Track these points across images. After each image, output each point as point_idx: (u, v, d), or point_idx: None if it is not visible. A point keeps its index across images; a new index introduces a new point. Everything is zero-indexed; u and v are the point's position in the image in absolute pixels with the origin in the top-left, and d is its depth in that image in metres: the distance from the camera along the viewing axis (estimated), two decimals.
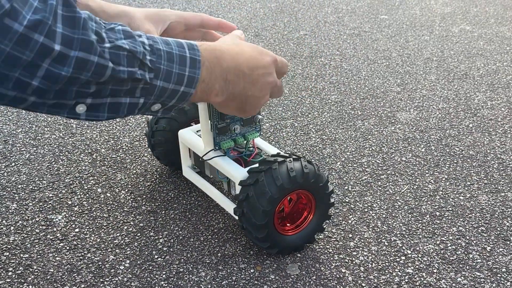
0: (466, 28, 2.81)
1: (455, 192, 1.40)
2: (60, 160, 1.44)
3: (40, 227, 1.20)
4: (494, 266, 1.15)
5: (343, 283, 1.09)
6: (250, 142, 1.22)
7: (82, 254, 1.13)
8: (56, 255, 1.12)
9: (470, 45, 2.54)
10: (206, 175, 1.30)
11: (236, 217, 1.13)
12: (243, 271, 1.11)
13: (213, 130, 1.14)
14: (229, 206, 1.20)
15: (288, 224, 1.17)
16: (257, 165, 1.11)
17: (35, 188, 1.32)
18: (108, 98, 0.70)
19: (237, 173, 1.13)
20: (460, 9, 3.13)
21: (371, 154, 1.57)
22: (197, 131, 1.28)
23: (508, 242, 1.23)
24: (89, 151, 1.49)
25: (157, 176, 1.40)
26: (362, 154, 1.57)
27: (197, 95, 0.81)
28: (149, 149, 1.44)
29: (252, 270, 1.11)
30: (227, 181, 1.21)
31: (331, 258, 1.15)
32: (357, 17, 2.91)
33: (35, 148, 1.49)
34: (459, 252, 1.19)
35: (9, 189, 1.32)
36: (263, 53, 0.92)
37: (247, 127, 1.19)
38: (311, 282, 1.09)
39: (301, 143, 1.61)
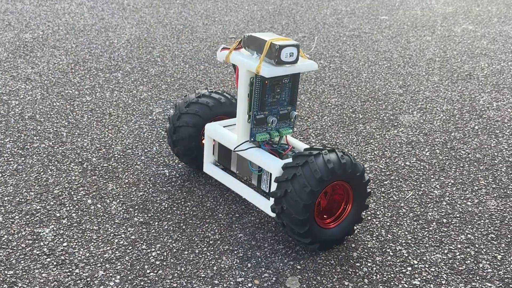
0: (469, 27, 2.76)
1: (462, 198, 1.35)
2: (49, 170, 1.39)
3: (27, 241, 1.14)
4: (506, 276, 1.10)
5: None
6: (283, 138, 1.22)
7: (70, 269, 1.07)
8: (42, 271, 1.07)
9: (474, 44, 2.49)
10: (230, 172, 1.29)
11: (273, 215, 1.13)
12: (240, 285, 1.05)
13: (251, 121, 1.16)
14: (260, 201, 1.19)
15: (325, 216, 1.15)
16: (290, 160, 1.11)
17: (22, 200, 1.27)
18: None
19: (275, 164, 1.12)
20: (462, 9, 3.08)
21: (373, 158, 1.51)
22: (224, 126, 1.28)
23: None
24: (80, 160, 1.44)
25: (151, 185, 1.35)
26: (364, 159, 1.51)
27: None
28: (169, 146, 1.41)
29: (249, 284, 1.06)
30: (259, 174, 1.20)
31: (333, 270, 1.10)
32: (357, 18, 2.86)
33: (23, 158, 1.43)
34: (468, 261, 1.13)
35: None
36: None
37: (282, 122, 1.20)
38: None
39: None
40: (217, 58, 1.22)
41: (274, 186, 1.12)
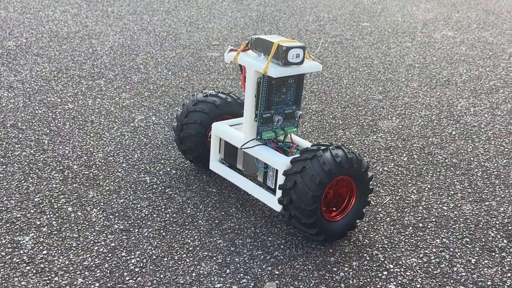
0: (448, 34, 2.79)
1: (438, 202, 1.36)
2: (30, 178, 1.39)
3: (6, 249, 1.14)
4: (479, 279, 1.11)
5: None
6: (288, 136, 1.26)
7: (49, 278, 1.07)
8: (21, 280, 1.06)
9: (453, 51, 2.52)
10: (236, 169, 1.33)
11: (279, 209, 1.17)
12: None
13: (258, 119, 1.19)
14: (265, 197, 1.23)
15: (331, 209, 1.19)
16: (298, 155, 1.14)
17: (3, 208, 1.27)
18: None
19: (281, 160, 1.16)
20: (442, 15, 3.11)
21: None
22: (230, 125, 1.32)
23: (493, 254, 1.19)
24: (61, 168, 1.44)
25: (131, 192, 1.35)
26: None
27: None
28: (176, 144, 1.44)
29: None
30: (265, 171, 1.24)
31: (311, 275, 1.11)
32: (339, 25, 2.88)
33: (4, 166, 1.43)
34: (443, 265, 1.15)
35: None
36: None
37: (287, 121, 1.24)
38: None
39: None
40: (224, 60, 1.25)
41: (280, 181, 1.16)
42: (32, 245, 1.16)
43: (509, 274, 1.13)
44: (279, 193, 1.17)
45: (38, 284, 1.05)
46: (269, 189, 1.25)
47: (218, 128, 1.32)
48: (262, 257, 1.15)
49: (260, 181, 1.27)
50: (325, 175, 1.10)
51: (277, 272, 1.11)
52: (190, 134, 1.37)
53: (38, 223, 1.23)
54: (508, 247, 1.21)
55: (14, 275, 1.07)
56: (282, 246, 1.19)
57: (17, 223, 1.22)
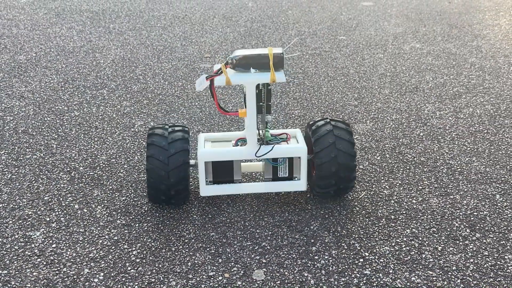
0: (416, 45, 2.81)
1: (408, 196, 1.37)
2: (40, 179, 1.38)
3: (19, 243, 1.14)
4: (445, 264, 1.12)
5: (306, 286, 1.05)
6: (268, 132, 1.26)
7: (58, 268, 1.07)
8: (33, 271, 1.06)
9: (420, 61, 2.53)
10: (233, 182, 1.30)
11: (304, 187, 1.25)
12: (212, 278, 1.06)
13: (263, 124, 1.22)
14: (284, 185, 1.27)
15: None
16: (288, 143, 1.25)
17: (15, 206, 1.26)
18: None
19: (299, 148, 1.23)
20: (410, 29, 3.13)
21: None
22: (212, 142, 1.31)
23: (457, 242, 1.20)
24: (68, 169, 1.43)
25: (132, 190, 1.35)
26: None
27: None
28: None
29: (220, 278, 1.06)
30: (274, 166, 1.26)
31: (295, 263, 1.11)
32: (318, 38, 2.89)
33: (16, 169, 1.42)
34: (413, 252, 1.16)
35: None
36: None
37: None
38: (276, 286, 1.05)
39: None
40: (196, 89, 1.16)
41: (296, 167, 1.22)
42: (43, 239, 1.15)
43: (471, 260, 1.14)
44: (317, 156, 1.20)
45: (48, 275, 1.05)
46: (283, 178, 1.27)
47: (207, 153, 1.23)
48: (251, 247, 1.16)
49: (268, 178, 1.28)
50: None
51: (264, 261, 1.12)
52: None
53: (48, 219, 1.22)
54: (471, 235, 1.22)
55: (27, 267, 1.07)
56: (269, 238, 1.19)
57: (28, 219, 1.22)
